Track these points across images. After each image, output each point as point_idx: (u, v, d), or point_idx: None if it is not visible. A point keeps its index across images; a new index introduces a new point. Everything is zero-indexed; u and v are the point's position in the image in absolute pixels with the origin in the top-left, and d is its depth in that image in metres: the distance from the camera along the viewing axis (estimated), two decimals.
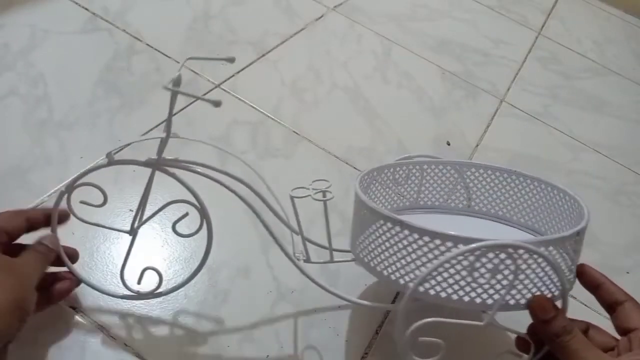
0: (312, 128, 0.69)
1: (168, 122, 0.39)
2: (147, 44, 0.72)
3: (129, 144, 0.45)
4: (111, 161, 0.40)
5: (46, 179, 0.53)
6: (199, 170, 0.40)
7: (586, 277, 0.41)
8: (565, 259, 0.40)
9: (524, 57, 0.98)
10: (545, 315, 0.36)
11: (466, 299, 0.37)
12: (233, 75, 0.73)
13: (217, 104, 0.36)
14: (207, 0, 0.84)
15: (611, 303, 0.40)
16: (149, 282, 0.45)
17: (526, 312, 0.38)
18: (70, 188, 0.41)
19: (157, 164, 0.40)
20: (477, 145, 0.76)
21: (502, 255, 0.36)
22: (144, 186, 0.41)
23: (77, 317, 0.44)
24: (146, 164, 0.40)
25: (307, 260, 0.47)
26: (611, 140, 0.85)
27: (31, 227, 0.41)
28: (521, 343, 0.41)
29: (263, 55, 0.78)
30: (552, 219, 0.51)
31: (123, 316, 0.45)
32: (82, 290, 0.46)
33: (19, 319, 0.34)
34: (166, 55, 0.72)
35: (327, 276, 0.53)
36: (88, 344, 0.43)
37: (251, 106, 0.70)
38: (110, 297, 0.46)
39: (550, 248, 0.38)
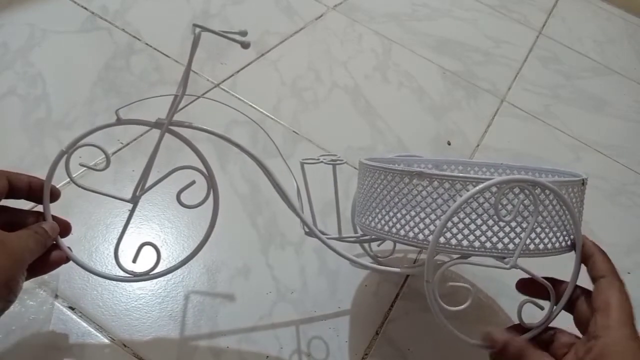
0: (312, 128, 0.69)
1: (185, 75, 0.36)
2: (146, 43, 0.72)
3: (136, 102, 0.43)
4: (120, 120, 0.38)
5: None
6: (213, 131, 0.38)
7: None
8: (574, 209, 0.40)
9: (525, 56, 0.98)
10: (497, 345, 0.37)
11: (488, 244, 0.37)
12: (232, 75, 0.72)
13: (245, 44, 0.35)
14: None
15: (593, 278, 0.39)
16: (146, 264, 0.42)
17: (546, 259, 0.39)
18: (71, 148, 0.38)
19: (168, 125, 0.38)
20: (478, 145, 0.76)
21: (522, 196, 0.37)
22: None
23: (76, 318, 0.44)
24: (156, 124, 0.38)
25: (311, 233, 0.46)
26: (612, 140, 0.85)
27: (12, 190, 0.38)
28: (522, 285, 0.41)
29: (263, 55, 0.78)
30: None
31: (122, 316, 0.45)
32: (81, 292, 0.46)
33: (4, 299, 0.33)
34: (165, 55, 0.71)
35: (326, 275, 0.53)
36: (87, 344, 0.43)
37: (251, 106, 0.69)
38: (109, 297, 0.46)
39: (563, 191, 0.38)
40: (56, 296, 0.45)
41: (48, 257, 0.39)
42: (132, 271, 0.42)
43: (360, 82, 0.79)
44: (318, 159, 0.46)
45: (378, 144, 0.70)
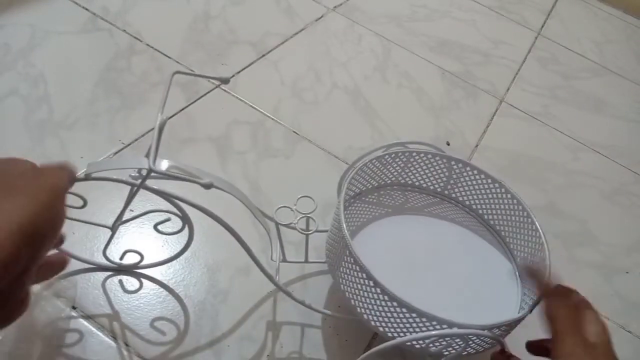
0: (312, 128, 0.69)
1: (154, 149, 0.36)
2: (147, 44, 0.72)
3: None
4: (88, 177, 0.37)
5: None
6: (178, 203, 0.39)
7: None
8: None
9: (524, 57, 0.99)
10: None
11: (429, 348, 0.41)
12: (233, 76, 0.73)
13: (224, 80, 0.37)
14: (208, 0, 0.84)
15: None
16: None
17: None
18: None
19: (140, 187, 0.38)
20: (477, 145, 0.76)
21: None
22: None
23: (77, 317, 0.44)
24: (129, 183, 0.38)
25: (284, 260, 0.50)
26: (610, 140, 0.85)
27: None
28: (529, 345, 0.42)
29: (263, 56, 0.78)
30: (520, 238, 0.52)
31: (124, 316, 0.45)
32: (82, 291, 0.46)
33: (52, 228, 0.30)
34: (166, 56, 0.72)
35: (326, 275, 0.53)
36: (88, 343, 0.43)
37: (251, 106, 0.70)
38: (111, 296, 0.46)
39: (495, 330, 0.40)
40: (73, 307, 0.45)
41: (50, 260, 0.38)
42: (119, 263, 0.48)
43: (360, 82, 0.79)
44: (293, 210, 0.48)
45: (378, 144, 0.70)
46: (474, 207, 0.56)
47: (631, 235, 0.70)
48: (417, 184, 0.57)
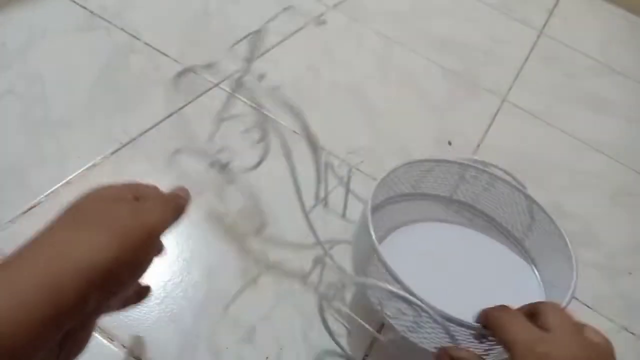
0: (312, 128, 0.69)
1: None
2: (145, 43, 0.72)
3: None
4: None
5: (43, 178, 0.53)
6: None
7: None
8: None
9: (526, 56, 0.98)
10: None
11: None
12: (232, 74, 0.72)
13: (320, 21, 0.41)
14: None
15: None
16: None
17: None
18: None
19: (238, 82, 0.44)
20: (479, 145, 0.75)
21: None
22: None
23: None
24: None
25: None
26: (614, 140, 0.85)
27: None
28: None
29: (262, 54, 0.77)
30: (559, 280, 0.50)
31: (121, 317, 0.45)
32: None
33: (132, 272, 0.27)
34: (165, 54, 0.71)
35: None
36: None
37: (250, 106, 0.69)
38: None
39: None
40: None
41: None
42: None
43: (360, 81, 0.79)
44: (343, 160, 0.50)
45: (379, 144, 0.70)
46: (519, 237, 0.55)
47: (634, 236, 0.70)
48: (482, 209, 0.57)
